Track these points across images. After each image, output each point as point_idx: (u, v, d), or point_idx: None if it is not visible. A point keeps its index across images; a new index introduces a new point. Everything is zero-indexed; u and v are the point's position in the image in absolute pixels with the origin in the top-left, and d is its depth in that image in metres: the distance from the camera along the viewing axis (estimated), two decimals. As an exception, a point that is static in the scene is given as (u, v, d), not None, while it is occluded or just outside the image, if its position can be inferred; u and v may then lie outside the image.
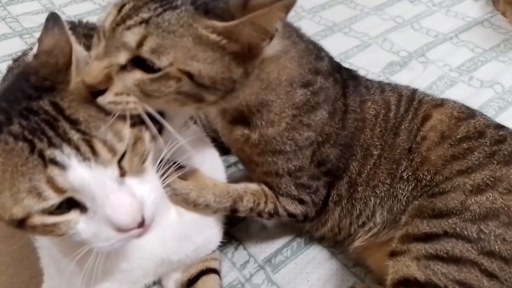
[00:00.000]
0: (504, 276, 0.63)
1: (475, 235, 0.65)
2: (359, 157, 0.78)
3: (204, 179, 0.74)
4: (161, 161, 0.61)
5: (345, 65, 0.86)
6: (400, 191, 0.77)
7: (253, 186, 0.78)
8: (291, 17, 1.58)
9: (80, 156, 0.50)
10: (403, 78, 1.31)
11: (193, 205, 0.72)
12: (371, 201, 0.79)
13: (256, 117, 0.71)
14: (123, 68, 0.55)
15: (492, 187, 0.69)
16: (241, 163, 0.88)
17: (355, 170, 0.79)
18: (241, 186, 0.77)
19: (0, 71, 1.31)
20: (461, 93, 1.25)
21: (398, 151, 0.78)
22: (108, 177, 0.52)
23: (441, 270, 0.64)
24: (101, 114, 0.54)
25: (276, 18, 0.55)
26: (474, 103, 0.91)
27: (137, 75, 0.55)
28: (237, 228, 0.94)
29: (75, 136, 0.51)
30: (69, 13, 1.66)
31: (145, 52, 0.53)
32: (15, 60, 1.00)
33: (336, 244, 0.90)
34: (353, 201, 0.80)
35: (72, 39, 0.58)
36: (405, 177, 0.77)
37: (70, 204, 0.52)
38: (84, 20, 1.05)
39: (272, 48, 0.65)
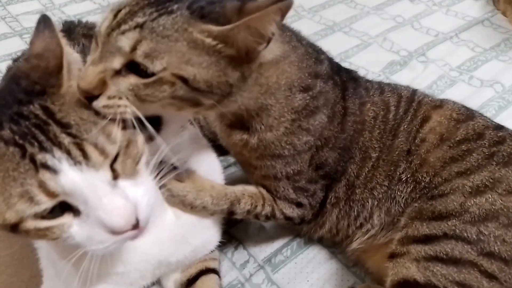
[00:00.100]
0: (504, 277, 0.63)
1: (474, 236, 0.65)
2: (357, 160, 0.78)
3: (202, 181, 0.74)
4: (160, 163, 0.61)
5: (345, 64, 0.86)
6: (398, 193, 0.76)
7: (251, 189, 0.78)
8: (291, 16, 1.58)
9: (71, 160, 0.50)
10: (403, 77, 1.31)
11: (190, 207, 0.72)
12: (368, 203, 0.79)
13: (255, 121, 0.70)
14: (118, 73, 0.55)
15: (491, 188, 0.68)
16: (240, 166, 0.87)
17: (353, 172, 0.78)
18: (238, 189, 0.77)
19: (0, 71, 1.31)
20: (461, 93, 1.25)
21: (397, 153, 0.77)
22: (100, 180, 0.52)
23: (440, 272, 0.64)
24: (93, 117, 0.54)
25: (271, 22, 0.54)
26: (474, 103, 0.91)
27: (131, 79, 0.55)
28: (236, 228, 0.93)
29: (65, 139, 0.51)
30: (69, 12, 1.66)
31: (138, 56, 0.53)
32: (15, 60, 0.99)
33: (335, 244, 0.90)
34: (351, 203, 0.80)
35: (63, 41, 0.58)
36: (403, 179, 0.76)
37: (63, 207, 0.52)
38: (84, 20, 1.04)
39: (271, 53, 0.65)
